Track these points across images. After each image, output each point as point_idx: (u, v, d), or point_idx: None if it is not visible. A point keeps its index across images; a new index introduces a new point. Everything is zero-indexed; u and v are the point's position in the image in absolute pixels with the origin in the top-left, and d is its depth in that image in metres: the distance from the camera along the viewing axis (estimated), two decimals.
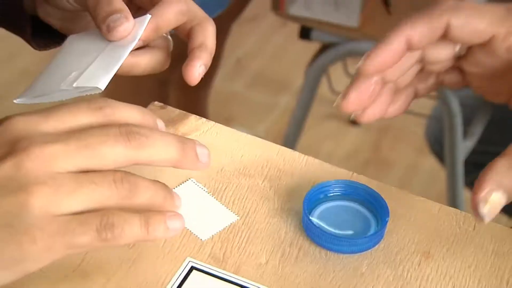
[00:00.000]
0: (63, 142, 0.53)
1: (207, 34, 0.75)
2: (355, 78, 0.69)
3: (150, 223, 0.55)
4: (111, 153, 0.54)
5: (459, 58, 0.71)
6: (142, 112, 0.60)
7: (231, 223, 0.67)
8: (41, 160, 0.52)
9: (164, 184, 0.58)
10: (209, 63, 0.75)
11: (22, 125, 0.56)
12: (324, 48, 1.90)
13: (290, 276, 0.64)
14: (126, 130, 0.54)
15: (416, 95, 0.72)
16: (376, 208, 0.68)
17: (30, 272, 0.55)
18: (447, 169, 1.87)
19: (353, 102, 0.66)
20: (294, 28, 1.82)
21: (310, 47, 1.97)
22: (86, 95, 0.71)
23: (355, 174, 0.71)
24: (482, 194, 0.60)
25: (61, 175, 0.53)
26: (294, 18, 1.75)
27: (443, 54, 0.70)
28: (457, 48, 0.70)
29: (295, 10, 1.71)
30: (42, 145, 0.53)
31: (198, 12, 0.77)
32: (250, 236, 0.66)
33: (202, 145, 0.59)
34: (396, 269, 0.63)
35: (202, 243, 0.66)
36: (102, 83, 0.66)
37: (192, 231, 0.66)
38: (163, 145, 0.57)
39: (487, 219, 0.60)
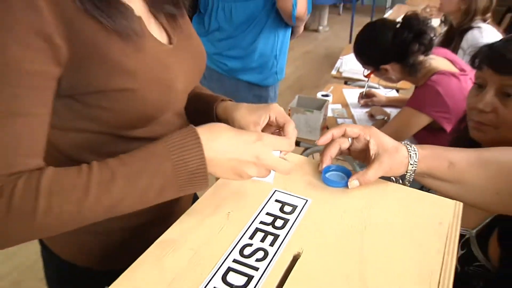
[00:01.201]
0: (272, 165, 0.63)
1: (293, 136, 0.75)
2: (323, 155, 0.79)
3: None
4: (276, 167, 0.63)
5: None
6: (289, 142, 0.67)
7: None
8: (262, 170, 0.62)
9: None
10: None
11: (263, 145, 0.62)
12: (305, 150, 1.92)
13: (317, 192, 0.71)
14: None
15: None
16: (347, 173, 0.76)
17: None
18: None
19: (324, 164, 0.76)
20: None
21: (299, 149, 1.99)
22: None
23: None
24: (350, 179, 0.72)
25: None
26: (297, 127, 1.81)
27: (347, 145, 0.79)
28: (350, 141, 0.79)
29: (297, 124, 1.78)
30: (265, 165, 0.62)
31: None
32: (300, 184, 0.73)
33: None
34: (354, 192, 0.71)
35: (281, 184, 0.72)
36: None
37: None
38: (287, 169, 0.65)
39: (350, 187, 0.72)
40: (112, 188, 0.55)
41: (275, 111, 0.77)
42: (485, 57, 1.01)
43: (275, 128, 0.80)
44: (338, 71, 2.64)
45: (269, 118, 0.77)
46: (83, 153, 0.69)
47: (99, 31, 0.60)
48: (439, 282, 0.54)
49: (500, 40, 1.03)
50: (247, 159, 0.61)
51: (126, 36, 0.62)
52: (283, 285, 0.53)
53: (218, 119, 0.83)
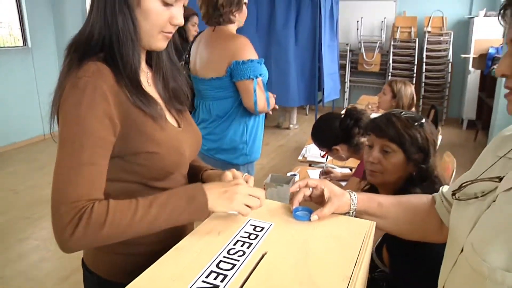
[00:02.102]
0: (245, 200, 0.85)
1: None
2: (293, 199, 0.92)
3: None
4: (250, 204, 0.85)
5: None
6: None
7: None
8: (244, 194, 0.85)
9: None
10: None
11: (239, 186, 0.86)
12: None
13: (277, 219, 0.88)
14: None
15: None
16: (310, 211, 0.90)
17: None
18: None
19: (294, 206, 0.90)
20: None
21: None
22: None
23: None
24: (312, 215, 0.87)
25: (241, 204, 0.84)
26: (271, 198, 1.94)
27: (308, 193, 0.94)
28: (311, 190, 0.94)
29: (270, 196, 1.93)
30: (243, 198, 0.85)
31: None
32: (267, 215, 0.90)
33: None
34: (313, 223, 0.87)
35: (254, 215, 0.88)
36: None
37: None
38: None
39: (312, 220, 0.87)
40: (150, 211, 0.78)
41: (231, 172, 1.00)
42: (370, 127, 1.33)
43: None
44: (303, 156, 2.89)
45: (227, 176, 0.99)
46: (121, 197, 0.83)
47: (139, 115, 0.85)
48: (355, 263, 0.76)
49: (380, 116, 1.34)
50: (230, 184, 0.86)
51: (155, 118, 0.87)
52: (254, 269, 0.74)
53: (203, 181, 1.04)
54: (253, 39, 4.93)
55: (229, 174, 0.98)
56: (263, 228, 0.88)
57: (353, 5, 6.93)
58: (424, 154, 1.25)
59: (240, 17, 1.92)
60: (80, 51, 0.83)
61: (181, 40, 3.86)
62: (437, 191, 0.98)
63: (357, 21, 6.98)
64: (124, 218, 0.76)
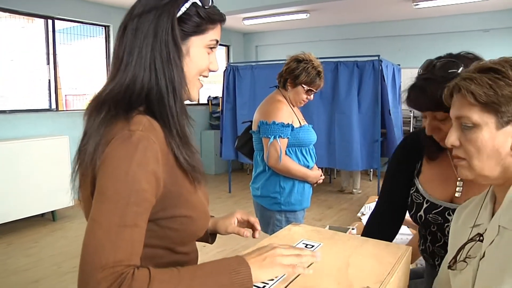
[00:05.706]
0: (286, 261, 0.80)
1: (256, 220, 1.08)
2: None
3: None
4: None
5: None
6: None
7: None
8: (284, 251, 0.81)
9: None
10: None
11: (276, 249, 0.81)
12: None
13: (325, 241, 1.01)
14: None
15: None
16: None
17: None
18: None
19: None
20: None
21: None
22: None
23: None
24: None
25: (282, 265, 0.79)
26: None
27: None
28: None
29: None
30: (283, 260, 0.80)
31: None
32: (316, 237, 1.05)
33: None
34: (356, 244, 1.01)
35: (305, 236, 1.06)
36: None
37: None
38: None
39: None
40: (193, 284, 0.69)
41: (239, 213, 1.10)
42: None
43: (245, 225, 1.11)
44: (362, 213, 3.04)
45: (237, 219, 1.08)
46: (143, 262, 0.73)
47: (181, 176, 0.81)
48: (388, 273, 0.90)
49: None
50: (267, 249, 0.82)
51: (194, 181, 0.84)
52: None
53: (211, 229, 1.10)
54: (318, 107, 5.28)
55: (235, 218, 1.09)
56: (313, 246, 1.05)
57: (416, 72, 7.08)
58: None
59: (293, 94, 2.19)
60: (123, 104, 0.76)
61: None
62: None
63: None
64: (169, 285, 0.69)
